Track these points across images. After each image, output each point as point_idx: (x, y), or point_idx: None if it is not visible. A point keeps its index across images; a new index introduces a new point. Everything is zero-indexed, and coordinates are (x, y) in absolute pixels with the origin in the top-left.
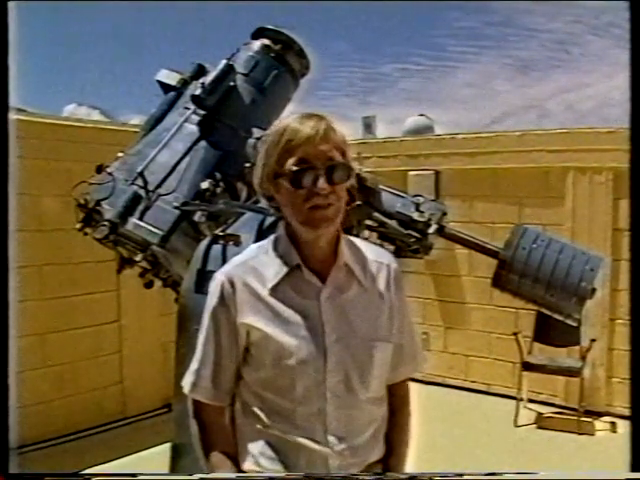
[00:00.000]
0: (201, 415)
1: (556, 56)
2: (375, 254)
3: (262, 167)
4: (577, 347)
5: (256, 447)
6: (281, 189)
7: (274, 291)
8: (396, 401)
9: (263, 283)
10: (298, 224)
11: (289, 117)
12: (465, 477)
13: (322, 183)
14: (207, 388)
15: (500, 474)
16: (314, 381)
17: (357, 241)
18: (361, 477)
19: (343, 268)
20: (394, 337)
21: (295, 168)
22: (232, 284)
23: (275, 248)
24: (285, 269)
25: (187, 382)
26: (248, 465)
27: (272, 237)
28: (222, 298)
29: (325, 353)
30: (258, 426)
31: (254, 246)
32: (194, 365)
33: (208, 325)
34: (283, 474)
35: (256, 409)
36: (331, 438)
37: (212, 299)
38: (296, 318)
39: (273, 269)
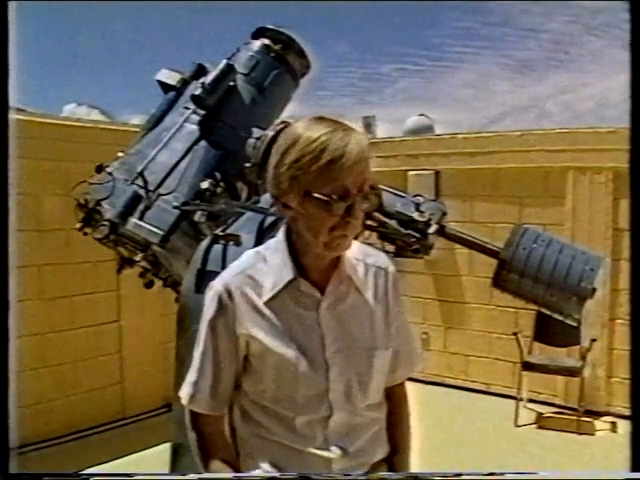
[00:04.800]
0: (199, 425)
1: (554, 56)
2: (373, 258)
3: (289, 178)
4: (577, 347)
5: (257, 453)
6: (308, 208)
7: (272, 302)
8: (395, 402)
9: (261, 293)
10: (318, 245)
11: (322, 124)
12: (464, 477)
13: (357, 214)
14: (205, 399)
15: (500, 474)
16: (316, 391)
17: (355, 245)
18: (361, 478)
19: (344, 278)
20: (392, 342)
21: (334, 196)
22: (230, 293)
23: (274, 256)
24: (282, 281)
25: (185, 393)
26: (250, 470)
27: (270, 243)
28: (220, 308)
29: (327, 364)
30: (258, 432)
31: (251, 252)
32: (192, 376)
33: (206, 335)
34: (282, 475)
35: (256, 417)
36: (332, 444)
37: (209, 309)
38: (295, 330)
39: (271, 280)
